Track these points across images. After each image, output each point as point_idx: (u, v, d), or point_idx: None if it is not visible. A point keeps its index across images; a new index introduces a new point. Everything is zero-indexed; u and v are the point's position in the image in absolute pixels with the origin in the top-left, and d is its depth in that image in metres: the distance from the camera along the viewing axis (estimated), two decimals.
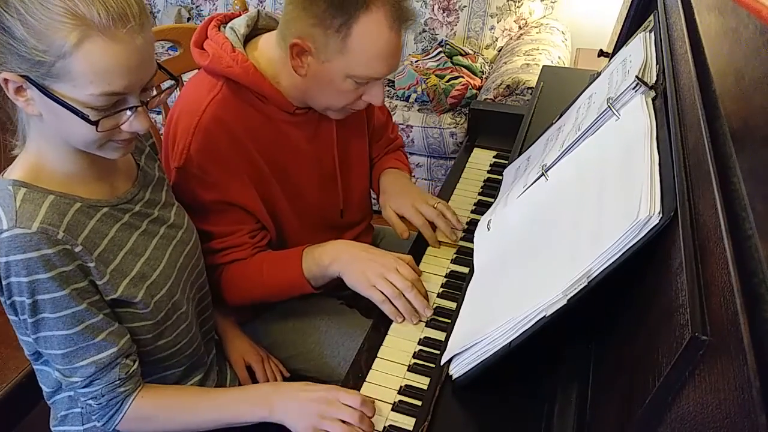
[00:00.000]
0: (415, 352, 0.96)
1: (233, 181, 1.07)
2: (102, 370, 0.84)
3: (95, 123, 0.74)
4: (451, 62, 2.49)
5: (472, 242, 1.11)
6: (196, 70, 1.16)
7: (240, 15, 1.13)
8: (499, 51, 2.63)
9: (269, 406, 0.89)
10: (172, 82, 0.84)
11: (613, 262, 0.68)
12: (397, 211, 1.20)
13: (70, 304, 0.79)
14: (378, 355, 0.96)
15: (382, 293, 1.00)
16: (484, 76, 2.49)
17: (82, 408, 0.87)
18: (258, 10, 1.14)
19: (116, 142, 0.79)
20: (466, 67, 2.47)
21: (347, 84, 1.02)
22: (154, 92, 0.81)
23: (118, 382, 0.86)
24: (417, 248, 1.17)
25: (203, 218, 1.09)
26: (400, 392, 0.90)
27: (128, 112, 0.76)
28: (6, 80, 0.72)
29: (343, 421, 0.84)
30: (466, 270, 1.10)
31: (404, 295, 1.00)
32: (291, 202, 1.18)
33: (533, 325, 0.75)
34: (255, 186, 1.10)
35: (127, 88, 0.74)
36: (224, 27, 1.10)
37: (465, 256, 1.14)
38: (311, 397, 0.88)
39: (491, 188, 1.33)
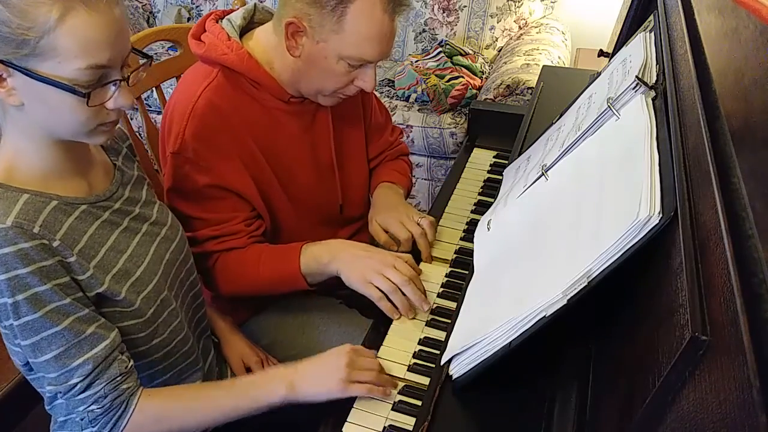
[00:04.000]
0: (415, 352, 0.96)
1: (228, 166, 1.08)
2: (100, 365, 0.81)
3: (86, 96, 0.74)
4: (451, 62, 2.49)
5: (472, 242, 1.11)
6: None
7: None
8: (499, 51, 2.63)
9: (289, 382, 0.89)
10: (145, 61, 0.84)
11: (613, 262, 0.68)
12: (382, 225, 1.17)
13: (53, 298, 0.77)
14: (378, 354, 0.96)
15: (379, 290, 1.00)
16: (484, 76, 2.49)
17: (82, 419, 0.84)
18: (255, 4, 1.16)
19: (104, 125, 0.79)
20: (466, 67, 2.47)
21: (340, 66, 1.03)
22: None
23: (120, 378, 0.83)
24: (417, 249, 1.17)
25: (198, 205, 1.10)
26: (400, 392, 0.90)
27: (112, 87, 0.77)
28: None
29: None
30: (466, 270, 1.10)
31: (401, 291, 1.00)
32: (287, 193, 1.18)
33: (533, 325, 0.75)
34: (250, 173, 1.11)
35: (110, 61, 0.75)
36: (222, 21, 1.12)
37: (465, 256, 1.14)
38: (330, 359, 0.89)
39: (491, 188, 1.33)
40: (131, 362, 0.87)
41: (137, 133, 1.44)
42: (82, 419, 0.84)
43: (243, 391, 0.90)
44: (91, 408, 0.83)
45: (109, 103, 0.77)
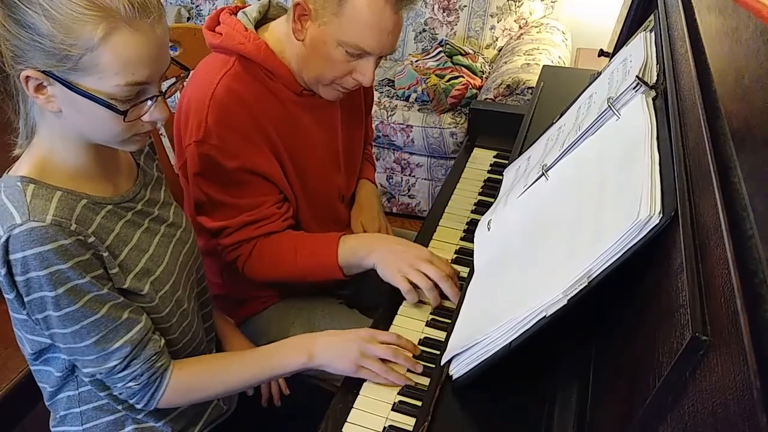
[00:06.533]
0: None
1: (253, 149, 1.09)
2: (137, 347, 0.85)
3: (124, 113, 0.75)
4: (452, 62, 2.49)
5: (473, 242, 1.11)
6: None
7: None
8: (500, 51, 2.63)
9: (308, 351, 0.93)
10: (183, 72, 0.87)
11: (613, 262, 0.68)
12: (364, 227, 1.31)
13: (92, 288, 0.80)
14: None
15: (410, 282, 1.02)
16: (484, 76, 2.49)
17: (120, 394, 0.88)
18: (269, 0, 1.17)
19: (138, 135, 0.81)
20: (466, 66, 2.47)
21: (338, 53, 1.03)
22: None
23: (155, 357, 0.87)
24: None
25: (229, 190, 1.10)
26: (400, 392, 0.90)
27: (149, 102, 0.78)
28: (27, 78, 0.73)
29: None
30: (466, 270, 1.10)
31: (441, 286, 1.01)
32: (299, 179, 1.19)
33: (533, 325, 0.75)
34: (275, 156, 1.12)
35: (150, 78, 0.76)
36: (237, 14, 1.13)
37: (465, 256, 1.14)
38: (350, 337, 0.93)
39: (491, 188, 1.33)
40: (163, 340, 0.90)
41: None
42: (120, 394, 0.89)
43: (265, 359, 0.95)
44: (129, 385, 0.87)
45: (145, 117, 0.79)
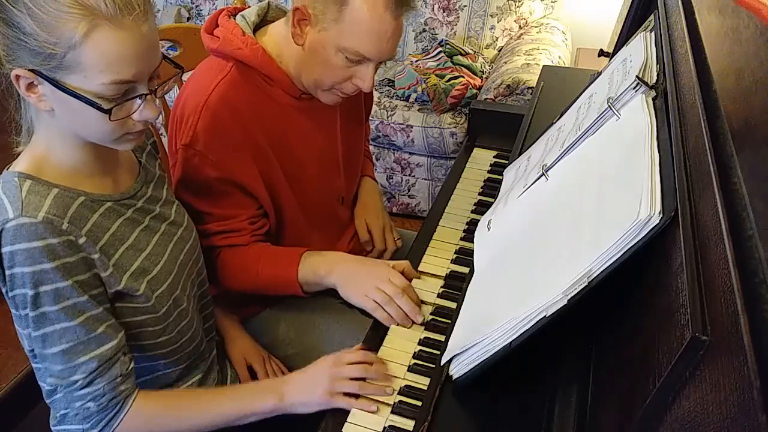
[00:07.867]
0: (415, 353, 0.96)
1: (237, 161, 1.08)
2: (104, 365, 0.83)
3: (108, 111, 0.75)
4: (452, 62, 2.49)
5: (472, 242, 1.11)
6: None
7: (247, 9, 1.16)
8: (500, 51, 2.63)
9: (279, 392, 0.90)
10: (178, 70, 0.87)
11: (613, 263, 0.68)
12: (368, 225, 1.35)
13: (72, 294, 0.78)
14: (378, 355, 0.96)
15: (375, 301, 1.02)
16: (484, 76, 2.49)
17: (77, 414, 0.85)
18: (268, 2, 1.17)
19: (130, 134, 0.81)
20: (466, 66, 2.47)
21: (338, 59, 1.03)
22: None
23: (120, 379, 0.84)
24: (417, 249, 1.17)
25: (205, 199, 1.10)
26: (400, 393, 0.90)
27: (138, 101, 0.78)
28: (18, 77, 0.74)
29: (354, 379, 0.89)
30: (466, 270, 1.10)
31: (395, 302, 1.02)
32: (293, 189, 1.19)
33: (533, 325, 0.75)
34: (258, 168, 1.12)
35: (136, 76, 0.76)
36: (235, 17, 1.13)
37: (465, 256, 1.14)
38: (316, 369, 0.91)
39: (491, 188, 1.33)
40: (132, 364, 0.87)
41: None
42: (76, 414, 0.84)
43: (234, 400, 0.91)
44: (87, 405, 0.83)
45: (134, 116, 0.79)
